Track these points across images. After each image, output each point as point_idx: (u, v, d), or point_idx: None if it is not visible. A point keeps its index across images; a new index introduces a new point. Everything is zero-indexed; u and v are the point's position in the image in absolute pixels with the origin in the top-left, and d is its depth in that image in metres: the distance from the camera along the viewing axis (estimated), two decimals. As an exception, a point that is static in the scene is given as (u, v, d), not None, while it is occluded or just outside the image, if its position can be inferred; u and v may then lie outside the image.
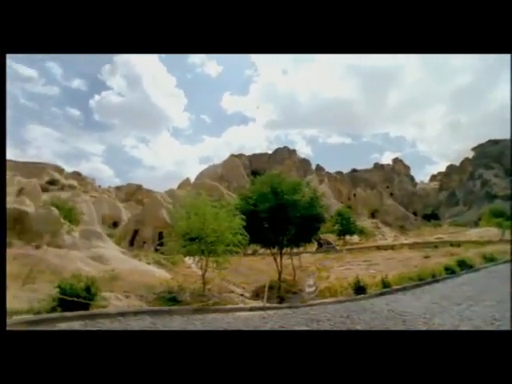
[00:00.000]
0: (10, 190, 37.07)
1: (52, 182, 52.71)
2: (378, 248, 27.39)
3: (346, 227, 35.78)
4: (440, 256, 18.61)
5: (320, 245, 29.83)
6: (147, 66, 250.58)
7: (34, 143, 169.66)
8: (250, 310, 9.35)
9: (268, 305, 10.03)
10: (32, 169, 60.02)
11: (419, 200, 78.64)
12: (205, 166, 72.76)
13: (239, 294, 12.36)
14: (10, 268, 11.48)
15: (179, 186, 54.48)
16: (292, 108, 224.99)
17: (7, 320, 5.49)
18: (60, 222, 18.62)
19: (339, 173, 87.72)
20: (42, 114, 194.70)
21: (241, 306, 9.90)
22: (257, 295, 12.68)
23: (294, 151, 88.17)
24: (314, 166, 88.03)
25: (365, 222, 46.60)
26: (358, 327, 6.29)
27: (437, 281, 11.77)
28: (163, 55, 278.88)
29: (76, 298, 6.83)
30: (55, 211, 19.01)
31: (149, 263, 18.48)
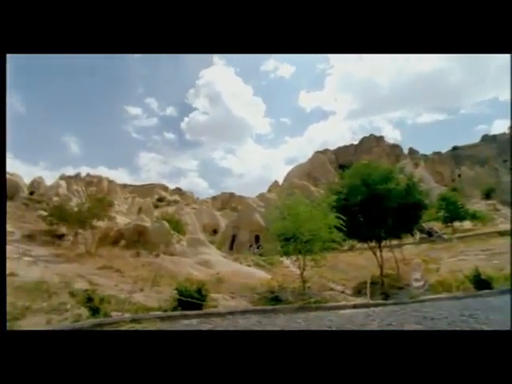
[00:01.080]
0: (133, 209, 44.25)
1: (160, 199, 60.79)
2: (501, 234, 22.88)
3: (453, 212, 31.05)
4: None
5: (429, 234, 26.64)
6: (225, 81, 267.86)
7: (144, 168, 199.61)
8: (354, 307, 9.06)
9: (372, 301, 9.56)
10: (145, 190, 70.49)
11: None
12: (291, 167, 73.01)
13: (340, 291, 12.08)
14: (141, 273, 13.80)
15: (269, 190, 56.13)
16: (372, 93, 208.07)
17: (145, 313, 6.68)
18: (170, 233, 21.36)
19: (437, 153, 77.12)
20: (147, 142, 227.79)
21: (343, 303, 9.69)
22: (358, 292, 12.18)
23: (381, 138, 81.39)
24: (406, 151, 79.83)
25: (478, 205, 39.60)
26: (484, 327, 5.47)
27: None
28: (238, 69, 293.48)
29: (190, 298, 7.79)
30: (166, 224, 21.91)
31: (249, 265, 19.57)
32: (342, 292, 11.90)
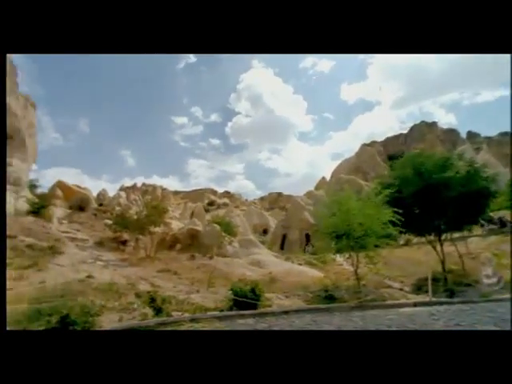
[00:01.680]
0: (185, 214, 46.58)
1: (210, 203, 63.02)
2: None
3: (527, 200, 27.49)
4: None
5: (502, 224, 23.82)
6: (265, 83, 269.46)
7: (193, 174, 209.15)
8: (415, 305, 8.59)
9: (435, 299, 8.95)
10: (195, 195, 73.65)
11: None
12: (337, 162, 70.76)
13: (398, 288, 11.47)
14: (197, 275, 14.51)
15: (316, 187, 55.14)
16: (419, 77, 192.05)
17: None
18: (222, 235, 22.09)
19: (504, 134, 68.63)
20: (194, 149, 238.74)
21: (403, 301, 9.21)
22: (418, 289, 11.44)
23: (433, 124, 74.42)
24: (463, 135, 72.45)
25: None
26: None
27: None
28: (276, 69, 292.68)
29: (245, 298, 8.01)
30: (217, 227, 22.72)
31: (300, 264, 19.46)
32: (401, 289, 11.27)
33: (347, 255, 11.59)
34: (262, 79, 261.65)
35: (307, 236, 29.91)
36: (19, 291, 9.24)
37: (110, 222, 25.39)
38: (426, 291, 9.33)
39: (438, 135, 68.76)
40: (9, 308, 7.52)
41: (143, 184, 66.31)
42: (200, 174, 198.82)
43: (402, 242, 22.08)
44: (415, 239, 20.00)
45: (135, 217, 23.56)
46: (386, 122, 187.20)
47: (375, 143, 75.95)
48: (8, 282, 10.41)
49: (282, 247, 31.86)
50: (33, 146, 30.57)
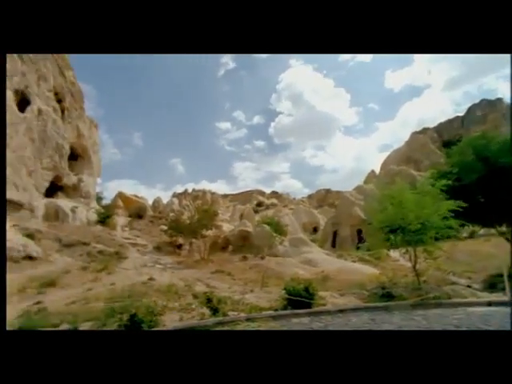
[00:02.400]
0: (235, 216, 47.78)
1: (259, 204, 63.72)
2: None
3: None
4: None
5: None
6: (304, 80, 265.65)
7: (240, 177, 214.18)
8: (489, 304, 7.83)
9: (514, 298, 8.04)
10: (244, 197, 75.13)
11: None
12: (386, 154, 67.04)
13: (464, 285, 10.52)
14: (250, 275, 14.83)
15: (365, 181, 52.80)
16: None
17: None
18: (272, 235, 22.24)
19: None
20: (240, 152, 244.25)
21: (472, 299, 8.45)
22: (490, 286, 10.36)
23: (497, 101, 65.02)
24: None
25: None
26: None
27: None
28: (315, 65, 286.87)
29: (299, 297, 8.00)
30: (267, 227, 22.94)
31: (354, 261, 18.83)
32: (468, 286, 10.31)
33: (403, 250, 10.92)
34: (302, 77, 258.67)
35: (359, 232, 28.82)
36: (96, 291, 10.32)
37: (165, 227, 27.05)
38: (504, 288, 8.38)
39: (504, 113, 60.93)
40: (90, 305, 8.47)
41: (193, 190, 69.40)
42: (247, 176, 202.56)
43: (465, 235, 20.15)
44: (482, 231, 18.17)
45: (188, 221, 24.81)
46: (438, 106, 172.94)
47: (427, 130, 70.11)
48: (87, 284, 11.70)
49: (333, 245, 31.09)
50: (97, 162, 33.84)
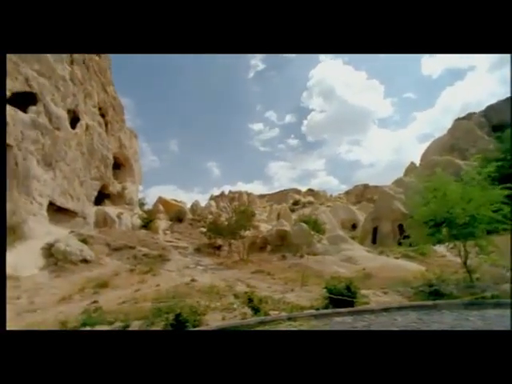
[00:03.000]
0: (272, 216, 47.88)
1: (295, 203, 63.16)
2: None
3: None
4: None
5: None
6: (335, 74, 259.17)
7: (275, 176, 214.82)
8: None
9: None
10: (280, 196, 75.08)
11: None
12: (427, 144, 63.12)
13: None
14: (289, 275, 14.79)
15: (405, 173, 50.19)
16: None
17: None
18: (310, 233, 21.98)
19: None
20: (274, 152, 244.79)
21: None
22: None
23: None
24: None
25: None
26: None
27: None
28: (345, 58, 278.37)
29: (341, 296, 7.85)
30: (305, 226, 22.71)
31: (397, 258, 18.03)
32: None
33: (451, 245, 10.24)
34: (332, 71, 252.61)
35: (400, 227, 27.48)
36: (143, 292, 10.94)
37: (204, 229, 27.82)
38: None
39: None
40: (139, 305, 9.01)
41: (230, 191, 70.65)
42: (282, 176, 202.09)
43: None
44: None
45: (226, 223, 25.32)
46: (485, 89, 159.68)
47: (473, 115, 64.54)
48: (135, 285, 12.43)
49: (373, 241, 29.95)
50: (138, 170, 35.86)
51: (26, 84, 19.39)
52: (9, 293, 10.68)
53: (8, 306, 9.40)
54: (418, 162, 53.67)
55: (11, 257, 13.52)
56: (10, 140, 18.01)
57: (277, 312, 7.70)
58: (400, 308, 7.63)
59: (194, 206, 44.19)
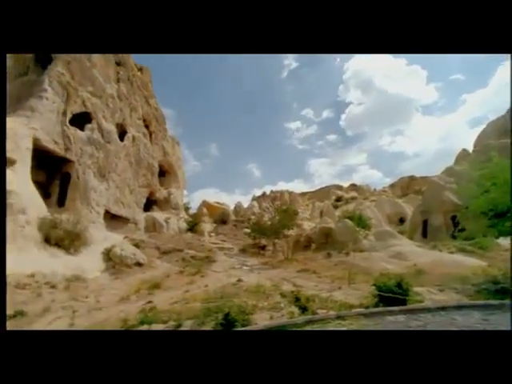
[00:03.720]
0: (315, 214, 47.18)
1: (338, 199, 61.50)
2: None
3: None
4: None
5: None
6: (372, 64, 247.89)
7: (316, 174, 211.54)
8: None
9: None
10: (322, 193, 73.64)
11: None
12: (480, 128, 57.67)
13: None
14: (335, 273, 14.50)
15: (456, 161, 46.46)
16: None
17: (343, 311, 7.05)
18: (356, 230, 21.30)
19: None
20: (313, 149, 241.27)
21: None
22: None
23: None
24: None
25: None
26: None
27: None
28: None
29: (391, 293, 7.53)
30: (349, 222, 22.06)
31: (451, 252, 16.75)
32: None
33: (517, 238, 9.31)
34: (368, 62, 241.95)
35: (453, 219, 25.46)
36: (193, 293, 11.44)
37: (248, 230, 28.26)
38: None
39: None
40: (189, 305, 9.46)
41: (271, 191, 70.69)
42: (323, 172, 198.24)
43: None
44: None
45: (269, 223, 25.51)
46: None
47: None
48: (184, 286, 13.05)
49: (424, 235, 28.13)
50: (182, 176, 37.57)
51: (82, 105, 21.48)
52: (80, 292, 12.04)
53: (80, 304, 10.50)
54: (470, 149, 49.36)
55: (78, 261, 15.09)
56: (71, 156, 20.03)
57: (325, 311, 7.61)
58: (460, 307, 7.11)
59: (237, 208, 45.06)
